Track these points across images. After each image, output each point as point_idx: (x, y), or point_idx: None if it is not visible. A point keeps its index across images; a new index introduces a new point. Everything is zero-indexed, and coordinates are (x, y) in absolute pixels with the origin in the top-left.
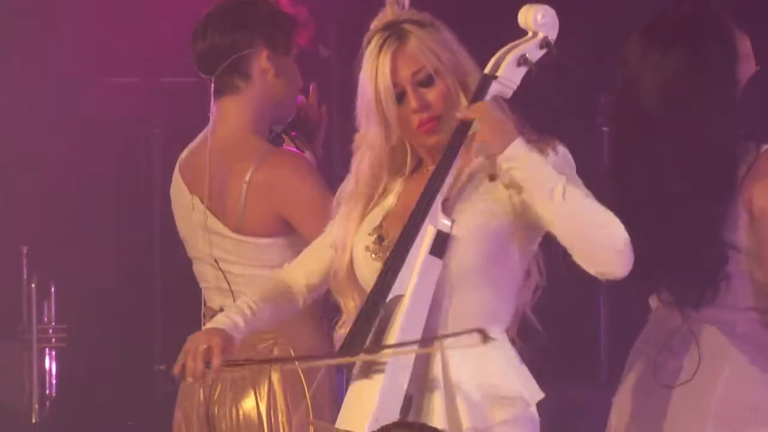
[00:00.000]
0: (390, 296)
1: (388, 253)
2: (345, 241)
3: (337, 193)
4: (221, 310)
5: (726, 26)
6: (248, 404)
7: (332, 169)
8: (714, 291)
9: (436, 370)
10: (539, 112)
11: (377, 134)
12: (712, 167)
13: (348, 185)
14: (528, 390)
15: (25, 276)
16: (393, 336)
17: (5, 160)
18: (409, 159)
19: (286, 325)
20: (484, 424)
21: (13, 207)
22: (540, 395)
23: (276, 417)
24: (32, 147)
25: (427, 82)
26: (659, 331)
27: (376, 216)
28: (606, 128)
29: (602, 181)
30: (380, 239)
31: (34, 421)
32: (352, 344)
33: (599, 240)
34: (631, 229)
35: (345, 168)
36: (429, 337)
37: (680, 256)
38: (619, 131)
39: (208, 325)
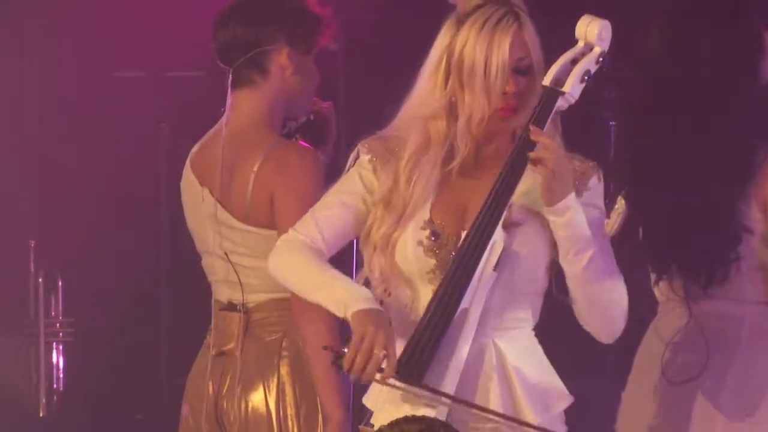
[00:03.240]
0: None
1: (451, 264)
2: (405, 216)
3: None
4: (229, 303)
5: (757, 18)
6: (257, 398)
7: (339, 165)
8: (725, 272)
9: (491, 370)
10: None
11: (479, 102)
12: (733, 150)
13: (419, 146)
14: (562, 383)
15: (32, 270)
16: (457, 348)
17: (13, 154)
18: (461, 152)
19: (296, 318)
20: (547, 417)
21: (21, 201)
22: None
23: (284, 410)
24: (39, 142)
25: (526, 71)
26: (667, 326)
27: (424, 208)
28: (613, 122)
29: (614, 160)
30: (434, 234)
31: (41, 414)
32: (416, 362)
33: (601, 314)
34: (645, 208)
35: None
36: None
37: (693, 234)
38: (638, 111)
39: (365, 301)
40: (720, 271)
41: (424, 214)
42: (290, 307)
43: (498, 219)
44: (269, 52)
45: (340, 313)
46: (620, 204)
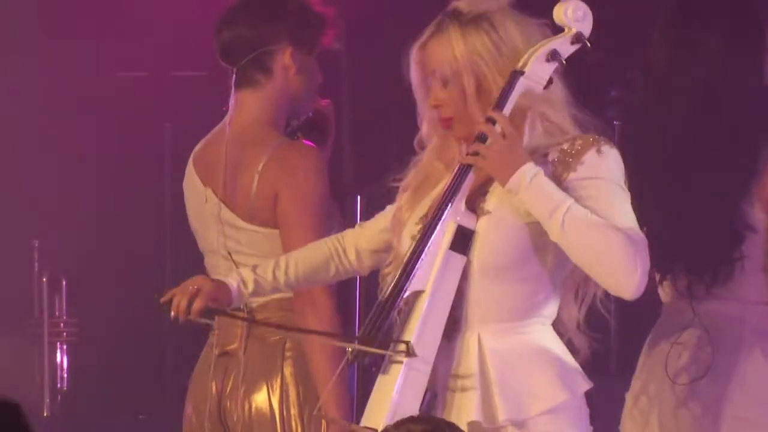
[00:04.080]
0: (408, 292)
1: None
2: (413, 202)
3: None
4: None
5: (758, 13)
6: (260, 398)
7: (342, 164)
8: (728, 271)
9: (472, 364)
10: None
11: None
12: (737, 149)
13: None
14: (570, 382)
15: (36, 270)
16: (412, 331)
17: (16, 154)
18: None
19: (298, 322)
20: (520, 416)
21: (25, 201)
22: (585, 386)
23: (288, 411)
24: (43, 142)
25: (443, 82)
26: (671, 326)
27: (424, 205)
28: (617, 122)
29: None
30: None
31: (45, 414)
32: (364, 337)
33: (602, 264)
34: (650, 207)
35: (356, 161)
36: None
37: (697, 233)
38: (642, 110)
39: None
40: (723, 270)
41: (423, 210)
42: (293, 307)
43: (449, 201)
44: (273, 52)
45: None
46: None
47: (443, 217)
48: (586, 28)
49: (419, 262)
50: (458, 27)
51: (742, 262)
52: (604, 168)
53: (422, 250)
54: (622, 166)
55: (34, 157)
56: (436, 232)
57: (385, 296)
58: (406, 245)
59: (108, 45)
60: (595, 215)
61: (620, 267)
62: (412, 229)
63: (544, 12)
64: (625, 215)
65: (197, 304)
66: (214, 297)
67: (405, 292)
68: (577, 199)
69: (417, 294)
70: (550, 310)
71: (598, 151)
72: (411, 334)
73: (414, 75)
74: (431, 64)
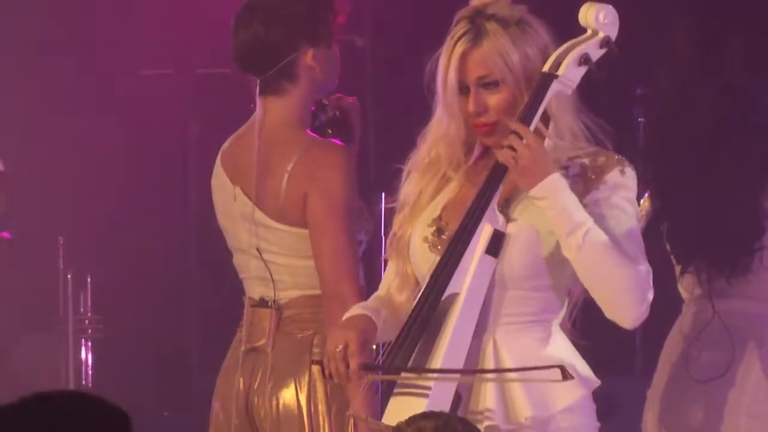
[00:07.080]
0: (445, 295)
1: (443, 250)
2: (412, 214)
3: (407, 166)
4: (261, 300)
5: None
6: (288, 394)
7: (368, 160)
8: (748, 262)
9: (488, 363)
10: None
11: (447, 124)
12: (760, 141)
13: (418, 160)
14: (584, 378)
15: (61, 267)
16: (447, 335)
17: (41, 152)
18: (476, 148)
19: (327, 322)
20: (545, 413)
21: (50, 198)
22: (596, 383)
23: (316, 407)
24: (69, 139)
25: (492, 86)
26: (691, 324)
27: (436, 205)
28: (642, 119)
29: (644, 154)
30: (439, 231)
31: None
32: (403, 347)
33: (611, 294)
34: (673, 200)
35: (380, 159)
36: (500, 369)
37: (718, 224)
38: (668, 106)
39: (353, 310)
40: (743, 261)
41: (435, 212)
42: (322, 304)
43: (486, 205)
44: (295, 58)
45: None
46: (644, 205)
47: (481, 220)
48: (614, 33)
49: (459, 262)
50: (505, 29)
51: (762, 253)
52: (626, 190)
53: (461, 252)
54: (636, 186)
55: (59, 154)
56: (474, 234)
57: (423, 299)
58: (418, 246)
59: (132, 42)
60: (612, 241)
61: (627, 300)
62: (423, 231)
63: (555, 13)
64: (637, 240)
65: (353, 365)
66: (363, 346)
67: (444, 293)
68: (596, 218)
69: (452, 297)
70: (561, 309)
71: (621, 172)
72: (447, 338)
73: (450, 82)
74: (477, 71)
